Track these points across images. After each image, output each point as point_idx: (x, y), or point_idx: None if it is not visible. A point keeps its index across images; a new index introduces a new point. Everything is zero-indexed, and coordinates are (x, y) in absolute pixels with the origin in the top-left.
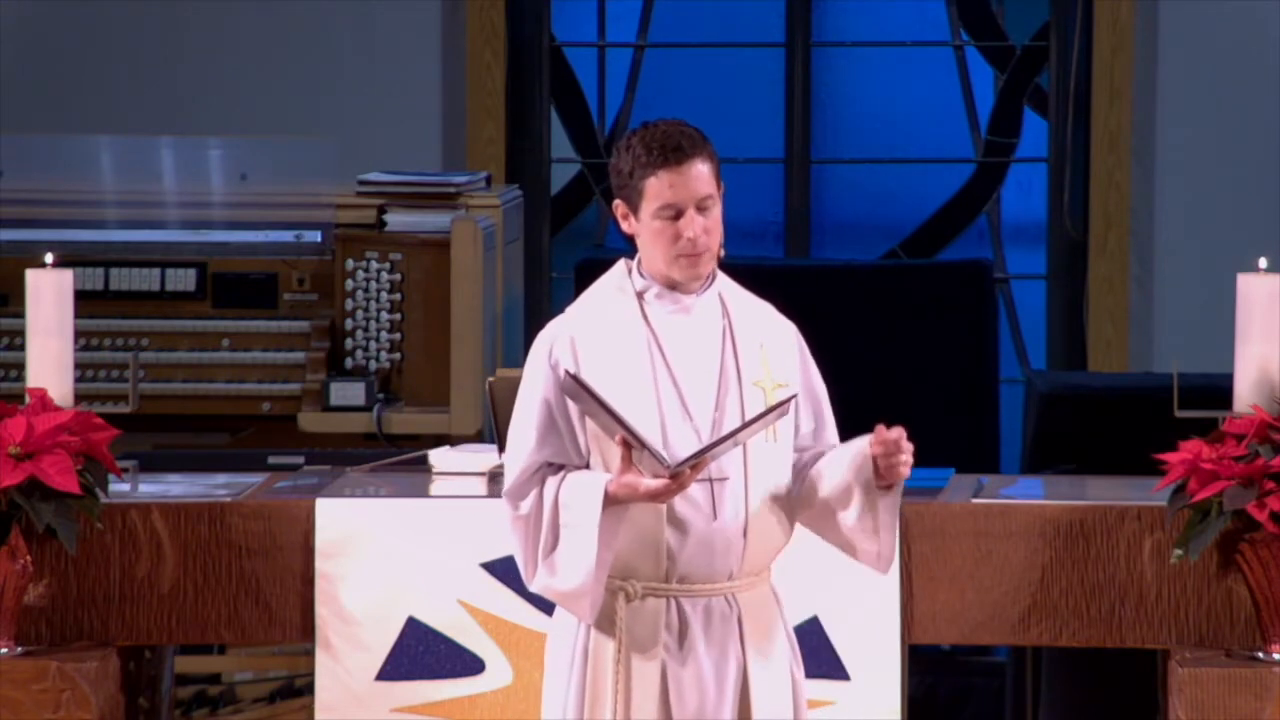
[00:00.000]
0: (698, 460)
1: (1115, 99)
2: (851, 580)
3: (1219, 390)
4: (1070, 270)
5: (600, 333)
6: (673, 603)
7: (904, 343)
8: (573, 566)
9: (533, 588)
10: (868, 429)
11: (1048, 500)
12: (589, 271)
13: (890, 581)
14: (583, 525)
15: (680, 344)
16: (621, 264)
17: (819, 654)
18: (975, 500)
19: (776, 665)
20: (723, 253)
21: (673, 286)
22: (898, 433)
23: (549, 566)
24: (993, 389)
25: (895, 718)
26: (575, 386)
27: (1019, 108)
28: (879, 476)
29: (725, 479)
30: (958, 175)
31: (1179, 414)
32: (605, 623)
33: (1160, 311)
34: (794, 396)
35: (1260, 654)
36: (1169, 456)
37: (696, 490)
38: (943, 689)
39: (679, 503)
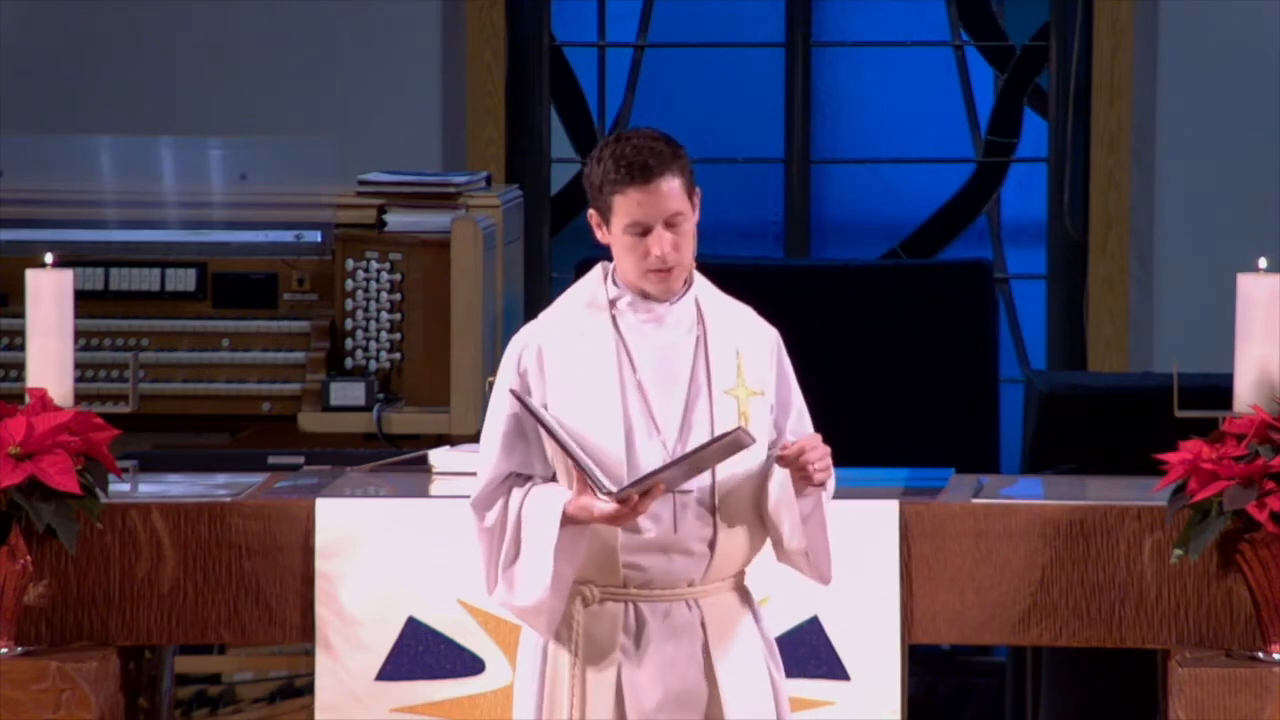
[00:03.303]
0: (643, 487)
1: (1115, 99)
2: (851, 580)
3: (1219, 390)
4: (1070, 270)
5: (568, 341)
6: (631, 606)
7: (904, 343)
8: (529, 583)
9: (492, 600)
10: (867, 428)
11: (1048, 500)
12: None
13: (890, 581)
14: (540, 543)
15: (650, 353)
16: (598, 269)
17: (819, 654)
18: (975, 500)
19: (747, 665)
20: (687, 265)
21: (645, 295)
22: (796, 448)
23: (507, 580)
24: (993, 389)
25: (895, 718)
26: (520, 406)
27: (1019, 108)
28: (801, 486)
29: (688, 491)
30: (958, 175)
31: (1179, 414)
32: (564, 625)
33: (1160, 311)
34: (736, 430)
35: (1260, 654)
36: (1169, 456)
37: (656, 503)
38: (943, 689)
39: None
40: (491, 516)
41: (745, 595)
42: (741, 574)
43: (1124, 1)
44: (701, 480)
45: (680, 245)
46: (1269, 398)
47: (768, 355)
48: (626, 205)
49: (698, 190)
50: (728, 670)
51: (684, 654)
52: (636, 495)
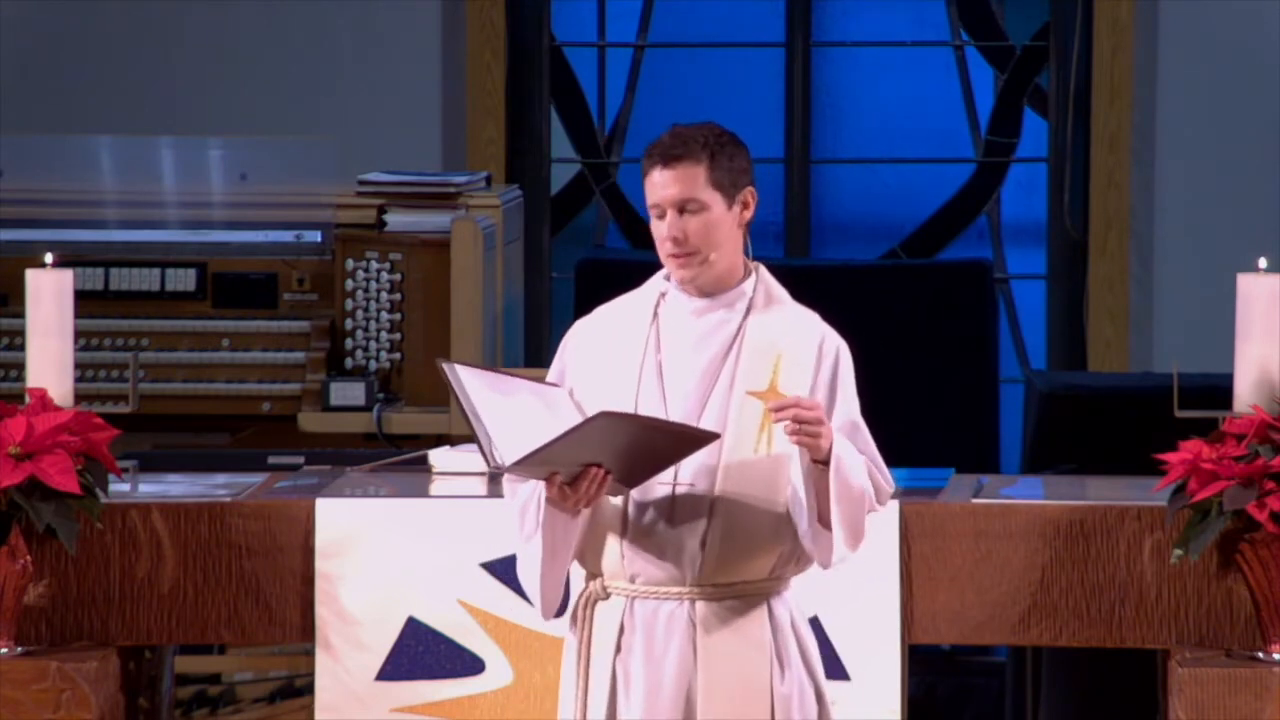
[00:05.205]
0: (530, 465)
1: (1115, 99)
2: (851, 580)
3: (1219, 390)
4: (1070, 270)
5: (606, 331)
6: (631, 603)
7: (904, 343)
8: (526, 564)
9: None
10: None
11: (1048, 500)
12: (589, 271)
13: (890, 581)
14: (534, 525)
15: (680, 346)
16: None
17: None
18: (975, 500)
19: (736, 671)
20: (744, 259)
21: (691, 291)
22: (791, 399)
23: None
24: (993, 389)
25: (895, 718)
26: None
27: (1019, 108)
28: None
29: (690, 485)
30: (958, 175)
31: (1179, 414)
32: (576, 618)
33: (1160, 311)
34: (598, 415)
35: (1260, 654)
36: (1169, 456)
37: (657, 493)
38: (943, 689)
39: (634, 504)
40: (522, 492)
41: (757, 602)
42: (758, 582)
43: (1124, 1)
44: (706, 478)
45: (696, 233)
46: (1269, 398)
47: (815, 363)
48: (649, 187)
49: (745, 189)
50: (710, 676)
51: (672, 655)
52: (561, 477)
